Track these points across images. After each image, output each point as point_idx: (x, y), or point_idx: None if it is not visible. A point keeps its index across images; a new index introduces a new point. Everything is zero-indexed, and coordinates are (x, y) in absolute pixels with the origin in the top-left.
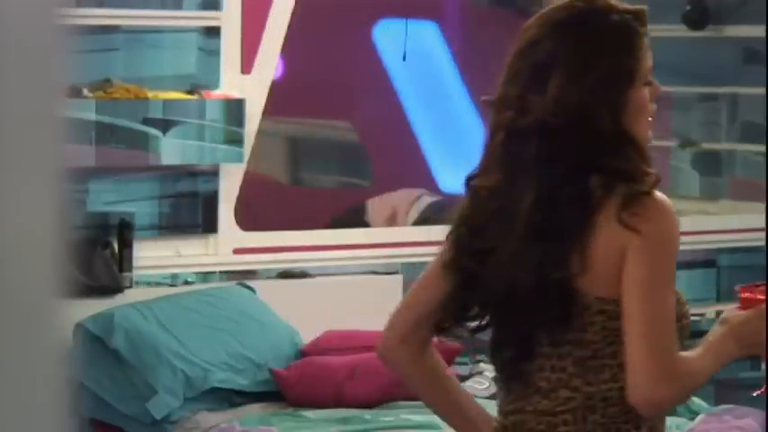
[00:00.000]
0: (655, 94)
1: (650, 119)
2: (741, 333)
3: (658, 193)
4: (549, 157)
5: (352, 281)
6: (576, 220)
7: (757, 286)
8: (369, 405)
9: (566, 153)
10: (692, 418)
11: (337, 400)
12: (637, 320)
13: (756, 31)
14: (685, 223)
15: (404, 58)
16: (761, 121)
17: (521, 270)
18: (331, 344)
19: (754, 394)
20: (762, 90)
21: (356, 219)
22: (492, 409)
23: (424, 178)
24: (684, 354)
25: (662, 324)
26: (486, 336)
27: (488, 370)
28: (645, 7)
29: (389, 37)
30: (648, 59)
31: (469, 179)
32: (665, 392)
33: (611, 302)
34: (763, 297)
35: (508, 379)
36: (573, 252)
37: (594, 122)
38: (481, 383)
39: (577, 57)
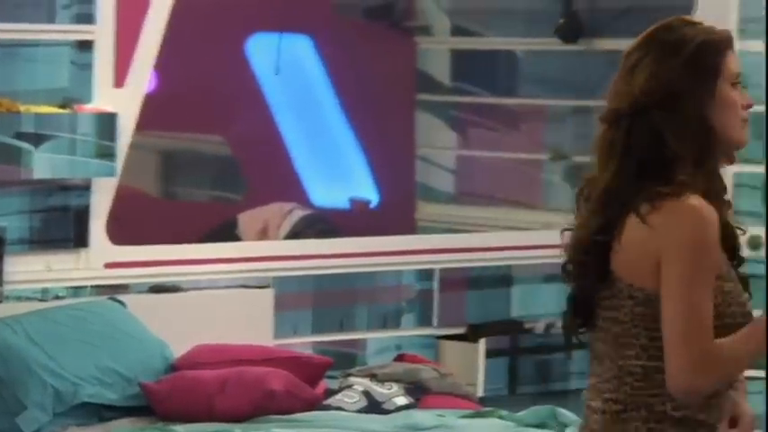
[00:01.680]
0: (744, 102)
1: (744, 121)
2: None
3: (688, 200)
4: (637, 139)
5: (223, 295)
6: (629, 202)
7: None
8: (239, 419)
9: (652, 136)
10: (562, 431)
11: (208, 414)
12: (667, 317)
13: (628, 44)
14: (557, 236)
15: (277, 72)
16: None
17: (582, 234)
18: (202, 358)
19: None
20: None
21: (228, 233)
22: (363, 423)
23: (296, 192)
24: (720, 340)
25: (692, 321)
26: None
27: (358, 384)
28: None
29: (262, 51)
30: (736, 65)
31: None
32: (700, 381)
33: (638, 290)
34: None
35: (588, 348)
36: (616, 226)
37: (679, 106)
38: (351, 397)
39: (662, 48)
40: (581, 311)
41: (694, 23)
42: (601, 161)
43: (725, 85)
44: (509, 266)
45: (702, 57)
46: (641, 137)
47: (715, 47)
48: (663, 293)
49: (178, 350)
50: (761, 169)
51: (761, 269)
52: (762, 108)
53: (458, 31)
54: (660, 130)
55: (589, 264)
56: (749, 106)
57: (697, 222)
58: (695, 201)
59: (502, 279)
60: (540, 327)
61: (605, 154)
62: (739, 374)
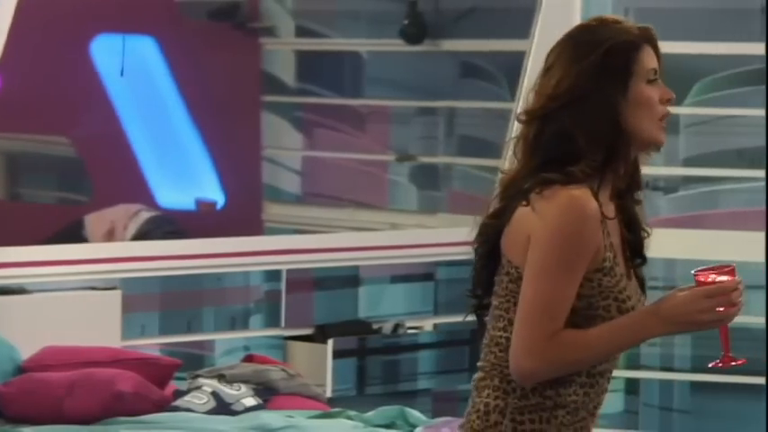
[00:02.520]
0: (664, 96)
1: (661, 120)
2: (668, 311)
3: (571, 189)
4: (547, 138)
5: (70, 296)
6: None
7: (713, 269)
8: (88, 421)
9: (562, 136)
10: (411, 431)
11: (57, 416)
12: (521, 298)
13: (473, 45)
14: (403, 237)
15: (122, 74)
16: (477, 135)
17: (486, 220)
18: (50, 360)
19: (710, 365)
20: (477, 104)
21: (75, 234)
22: (212, 424)
23: (142, 193)
24: (581, 330)
25: (537, 305)
26: None
27: (207, 385)
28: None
29: (107, 52)
30: (651, 61)
31: None
32: (529, 365)
33: (513, 267)
34: (716, 278)
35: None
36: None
37: (588, 107)
38: (200, 398)
39: (575, 50)
40: (479, 292)
41: (615, 22)
42: (516, 157)
43: (639, 82)
44: (356, 267)
45: (612, 58)
46: (551, 137)
47: (626, 47)
48: (524, 274)
49: (26, 352)
50: None
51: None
52: None
53: (302, 32)
54: (570, 131)
55: (481, 245)
56: (669, 100)
57: (572, 212)
58: (577, 191)
59: (349, 280)
60: (387, 327)
61: (519, 151)
62: (595, 362)
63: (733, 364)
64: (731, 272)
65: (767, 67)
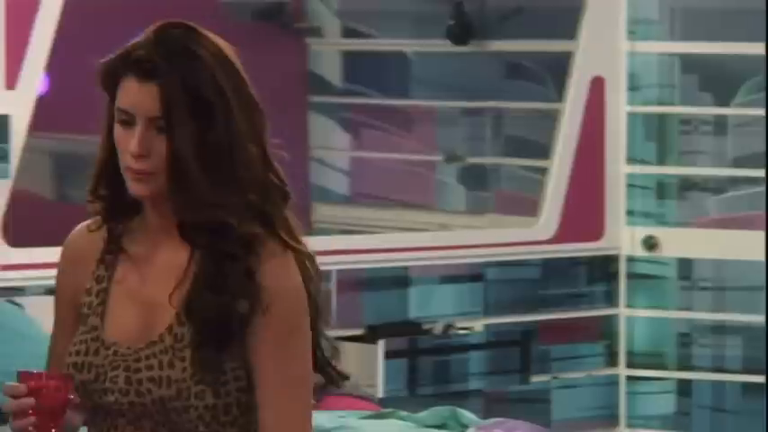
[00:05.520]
0: (131, 146)
1: (128, 172)
2: None
3: None
4: None
5: None
6: None
7: (48, 375)
8: None
9: None
10: (463, 431)
11: None
12: None
13: (518, 45)
14: (452, 237)
15: None
16: (524, 135)
17: None
18: None
19: None
20: (524, 104)
21: None
22: None
23: None
24: None
25: None
26: None
27: None
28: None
29: None
30: (123, 99)
31: None
32: None
33: None
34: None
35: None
36: None
37: None
38: None
39: None
40: None
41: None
42: None
43: (116, 123)
44: (405, 267)
45: (103, 90)
46: None
47: (105, 74)
48: None
49: None
50: (652, 170)
51: (657, 270)
52: (654, 109)
53: (348, 32)
54: None
55: None
56: (132, 154)
57: None
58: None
59: (398, 280)
60: (438, 328)
61: None
62: None
63: None
64: (60, 382)
65: (767, 67)
